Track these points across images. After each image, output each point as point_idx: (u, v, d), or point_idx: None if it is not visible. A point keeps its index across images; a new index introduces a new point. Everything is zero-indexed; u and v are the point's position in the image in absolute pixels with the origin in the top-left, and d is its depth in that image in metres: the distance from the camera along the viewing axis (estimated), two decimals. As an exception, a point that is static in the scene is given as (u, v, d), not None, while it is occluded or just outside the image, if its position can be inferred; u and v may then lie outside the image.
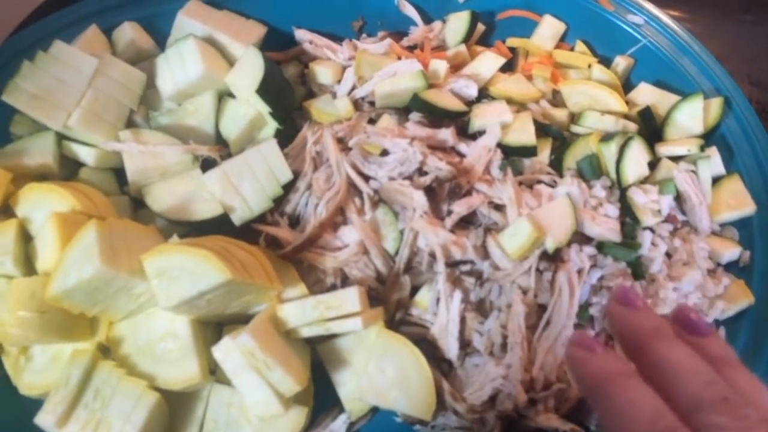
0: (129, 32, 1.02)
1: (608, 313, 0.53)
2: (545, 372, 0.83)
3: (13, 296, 0.79)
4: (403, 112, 1.03)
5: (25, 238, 0.87)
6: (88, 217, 0.85)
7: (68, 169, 0.97)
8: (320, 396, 0.88)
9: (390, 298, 0.91)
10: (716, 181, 1.02)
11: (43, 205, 0.86)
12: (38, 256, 0.84)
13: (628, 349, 0.50)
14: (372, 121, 1.03)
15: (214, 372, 0.85)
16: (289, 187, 0.97)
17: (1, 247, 0.84)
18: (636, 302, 0.51)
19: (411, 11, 1.14)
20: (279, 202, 0.96)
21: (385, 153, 0.96)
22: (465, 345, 0.89)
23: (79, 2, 1.03)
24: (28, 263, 0.85)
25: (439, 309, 0.89)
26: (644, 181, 0.99)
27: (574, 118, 1.07)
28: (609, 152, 0.97)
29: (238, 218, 0.94)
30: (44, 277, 0.81)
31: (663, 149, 1.02)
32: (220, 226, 0.92)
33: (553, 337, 0.84)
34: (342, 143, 0.99)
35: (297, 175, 0.97)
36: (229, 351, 0.78)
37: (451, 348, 0.88)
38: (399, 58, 1.09)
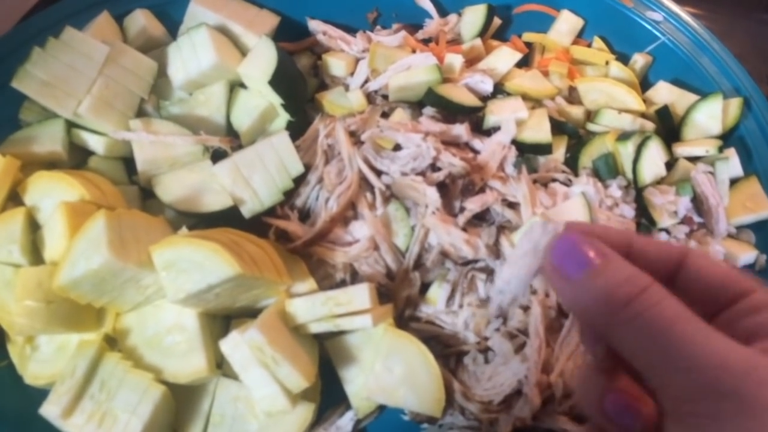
0: (141, 20, 1.01)
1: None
2: (564, 378, 0.81)
3: (19, 285, 0.78)
4: (416, 106, 1.02)
5: (33, 226, 0.86)
6: (97, 206, 0.84)
7: (77, 158, 0.96)
8: (327, 392, 0.87)
9: (399, 295, 0.90)
10: (734, 182, 1.00)
11: (51, 194, 0.86)
12: (46, 245, 0.84)
13: None
14: (385, 115, 1.01)
15: (220, 366, 0.85)
16: (299, 181, 0.96)
17: (9, 236, 0.83)
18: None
19: (426, 4, 1.13)
20: (289, 195, 0.95)
21: (397, 148, 0.95)
22: (478, 342, 0.88)
23: (91, -12, 1.02)
24: (35, 252, 0.85)
25: (453, 306, 0.88)
26: (661, 181, 0.98)
27: (590, 115, 1.05)
28: (626, 151, 0.96)
29: (248, 211, 0.93)
30: (52, 267, 0.80)
31: (680, 149, 1.00)
32: (229, 218, 0.91)
33: (575, 344, 0.83)
34: (354, 137, 0.97)
35: (308, 168, 0.96)
36: (237, 345, 0.77)
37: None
38: (413, 51, 1.07)
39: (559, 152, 0.99)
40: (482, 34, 1.10)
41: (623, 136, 0.97)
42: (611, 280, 0.41)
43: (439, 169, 0.92)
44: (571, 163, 0.99)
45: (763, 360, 0.36)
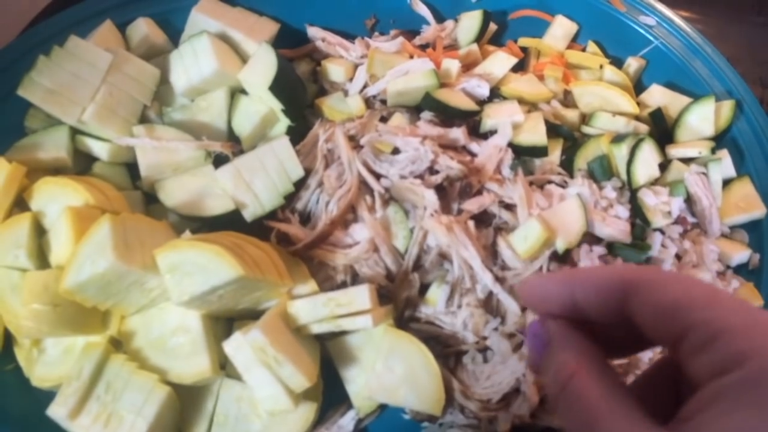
0: (143, 28, 1.03)
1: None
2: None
3: (26, 289, 0.80)
4: (414, 110, 1.04)
5: (39, 231, 0.87)
6: (102, 211, 0.85)
7: (82, 164, 0.97)
8: (329, 392, 0.88)
9: (399, 296, 0.92)
10: (727, 183, 1.02)
11: (57, 199, 0.87)
12: (52, 249, 0.85)
13: None
14: (384, 120, 1.03)
15: (224, 366, 0.86)
16: (300, 185, 0.97)
17: (16, 241, 0.84)
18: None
19: (423, 10, 1.14)
20: (290, 199, 0.97)
21: (396, 151, 0.97)
22: (477, 342, 0.89)
23: (94, -3, 1.04)
24: (41, 256, 0.86)
25: (452, 306, 0.89)
26: (655, 182, 0.99)
27: (585, 118, 1.07)
28: (620, 153, 0.98)
29: (249, 214, 0.94)
30: (58, 271, 0.82)
31: (674, 151, 1.02)
32: (231, 222, 0.93)
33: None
34: (353, 141, 0.99)
35: (308, 172, 0.97)
36: (239, 346, 0.79)
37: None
38: (411, 56, 1.09)
39: (555, 154, 1.01)
40: (478, 39, 1.12)
41: (617, 139, 0.99)
42: (550, 368, 0.44)
43: (437, 171, 0.94)
44: (567, 165, 1.01)
45: None
